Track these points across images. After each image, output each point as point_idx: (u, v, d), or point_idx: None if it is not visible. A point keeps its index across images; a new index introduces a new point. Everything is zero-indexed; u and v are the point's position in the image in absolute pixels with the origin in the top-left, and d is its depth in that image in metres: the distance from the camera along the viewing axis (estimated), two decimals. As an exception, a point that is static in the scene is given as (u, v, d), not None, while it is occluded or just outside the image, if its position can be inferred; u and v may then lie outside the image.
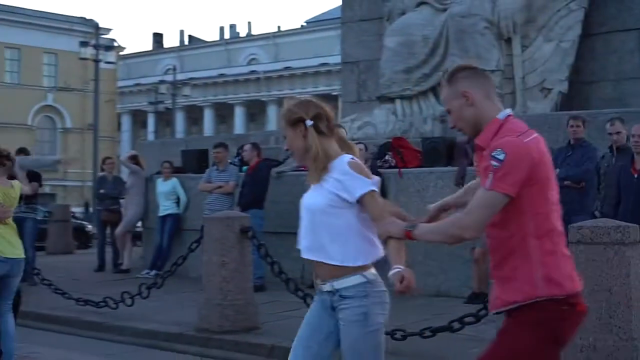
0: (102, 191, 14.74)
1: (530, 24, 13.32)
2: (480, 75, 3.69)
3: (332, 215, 3.87)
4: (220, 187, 12.16)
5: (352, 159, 3.97)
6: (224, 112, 71.07)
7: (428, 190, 11.21)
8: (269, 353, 7.86)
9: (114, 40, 54.81)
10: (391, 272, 3.69)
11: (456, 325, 7.14)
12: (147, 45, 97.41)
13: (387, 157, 11.90)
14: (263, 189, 11.64)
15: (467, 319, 6.98)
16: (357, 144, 11.24)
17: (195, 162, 13.98)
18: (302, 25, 77.83)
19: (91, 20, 56.45)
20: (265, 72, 68.66)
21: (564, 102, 13.05)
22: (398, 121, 13.50)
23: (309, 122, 3.95)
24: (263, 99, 68.36)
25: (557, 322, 3.45)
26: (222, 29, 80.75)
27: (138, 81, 73.05)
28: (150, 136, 69.39)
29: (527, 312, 3.43)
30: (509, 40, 13.49)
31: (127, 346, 8.73)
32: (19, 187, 7.07)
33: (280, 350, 7.64)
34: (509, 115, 3.59)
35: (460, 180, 10.86)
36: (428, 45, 13.59)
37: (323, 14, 75.71)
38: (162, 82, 59.23)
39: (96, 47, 41.79)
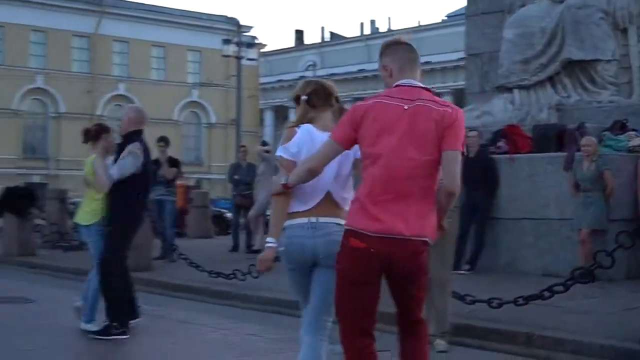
0: (236, 177, 15.78)
1: (644, 16, 13.55)
2: (398, 50, 4.49)
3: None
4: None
5: (296, 127, 4.68)
6: (363, 107, 71.89)
7: (539, 175, 11.72)
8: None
9: (255, 37, 56.47)
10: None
11: (546, 294, 7.67)
12: (289, 42, 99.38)
13: (500, 144, 12.42)
14: None
15: (556, 288, 7.49)
16: (470, 130, 11.83)
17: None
18: (442, 20, 77.77)
19: (233, 19, 58.25)
20: (403, 66, 68.91)
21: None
22: (515, 110, 13.92)
23: (304, 97, 4.76)
24: (403, 94, 68.71)
25: None
26: (362, 24, 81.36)
27: (280, 77, 74.76)
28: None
29: None
30: (624, 31, 13.75)
31: (249, 311, 9.62)
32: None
33: (387, 316, 8.35)
34: (397, 85, 4.35)
35: (568, 165, 11.30)
36: (545, 37, 13.94)
37: (465, 7, 75.13)
38: (302, 77, 60.57)
39: (238, 44, 43.22)
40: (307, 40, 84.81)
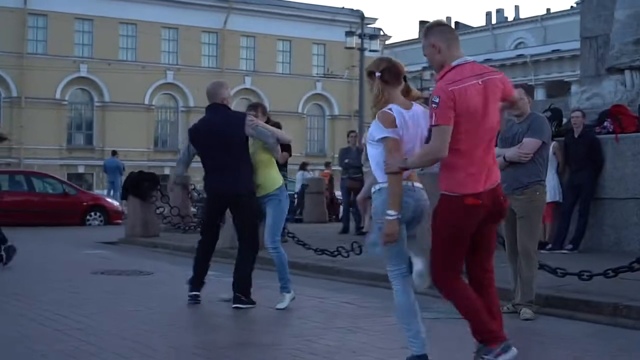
0: (346, 161, 16.19)
1: None
2: (446, 31, 5.29)
3: (372, 147, 5.25)
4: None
5: (388, 109, 5.16)
6: (489, 97, 71.24)
7: (645, 155, 11.66)
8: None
9: (380, 29, 56.70)
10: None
11: (636, 266, 7.76)
12: (414, 33, 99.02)
13: (605, 124, 12.39)
14: None
15: (645, 261, 7.58)
16: (574, 111, 11.93)
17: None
18: (571, 6, 76.19)
19: (358, 11, 58.55)
20: (532, 55, 67.98)
21: None
22: (626, 91, 13.82)
23: (378, 74, 5.27)
24: (530, 84, 67.75)
25: None
26: (488, 14, 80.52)
27: (405, 69, 74.72)
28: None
29: None
30: None
31: (350, 285, 10.02)
32: None
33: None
34: (457, 65, 5.12)
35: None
36: (658, 17, 13.81)
37: (591, -6, 73.46)
38: (425, 68, 60.43)
39: (361, 36, 43.56)
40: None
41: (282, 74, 56.40)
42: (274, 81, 54.68)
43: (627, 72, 14.09)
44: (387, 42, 66.98)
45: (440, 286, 5.15)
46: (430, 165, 5.15)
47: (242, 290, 8.09)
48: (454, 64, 5.10)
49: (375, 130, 5.15)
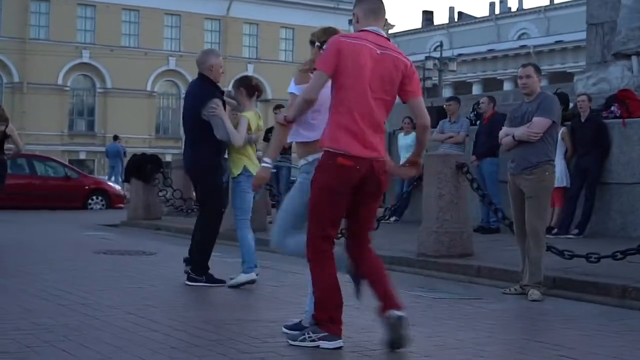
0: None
1: None
2: (371, 2, 5.25)
3: None
4: (451, 137, 13.07)
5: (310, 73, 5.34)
6: (492, 88, 71.05)
7: (651, 139, 11.58)
8: (477, 273, 8.75)
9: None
10: None
11: (645, 247, 7.69)
12: (417, 23, 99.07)
13: (612, 108, 12.30)
14: (497, 138, 12.38)
15: (656, 243, 7.51)
16: (580, 95, 11.82)
17: (434, 117, 14.90)
18: (574, -2, 75.92)
19: (359, 0, 58.45)
20: (535, 46, 67.83)
21: None
22: (633, 77, 13.72)
23: (317, 44, 5.60)
24: (533, 74, 67.63)
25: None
26: (492, 4, 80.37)
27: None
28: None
29: None
30: None
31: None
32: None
33: (486, 270, 8.55)
34: (364, 30, 5.17)
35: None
36: (667, 1, 13.70)
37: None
38: (428, 58, 60.32)
39: (366, 24, 43.56)
40: (437, 21, 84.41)
41: (285, 61, 56.22)
42: (276, 69, 54.48)
43: (634, 58, 13.97)
44: (390, 31, 66.76)
45: (308, 251, 5.09)
46: (306, 110, 5.17)
47: (192, 264, 8.09)
48: (363, 28, 5.16)
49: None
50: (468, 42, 72.34)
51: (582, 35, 59.11)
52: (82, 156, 49.73)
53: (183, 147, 8.46)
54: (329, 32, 5.52)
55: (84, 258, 10.23)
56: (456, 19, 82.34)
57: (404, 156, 14.72)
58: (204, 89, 7.99)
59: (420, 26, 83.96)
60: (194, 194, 8.60)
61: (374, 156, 5.00)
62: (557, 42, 67.23)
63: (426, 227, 9.60)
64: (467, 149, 13.11)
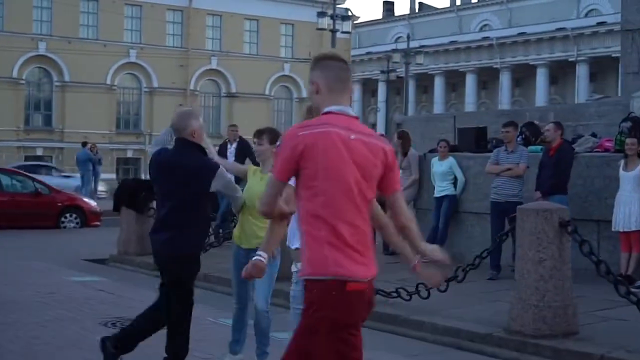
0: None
1: None
2: (329, 67, 4.07)
3: None
4: (509, 169, 11.35)
5: None
6: (454, 80, 70.07)
7: None
8: (599, 363, 7.10)
9: (348, 9, 55.03)
10: None
11: None
12: (377, 14, 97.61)
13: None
14: (568, 172, 10.75)
15: None
16: None
17: (472, 140, 13.26)
18: (538, -11, 75.11)
19: (326, -9, 56.91)
20: (498, 38, 66.93)
21: None
22: None
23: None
24: (495, 66, 66.76)
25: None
26: (453, -5, 79.43)
27: (368, 50, 73.19)
28: (381, 105, 69.68)
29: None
30: None
31: (430, 345, 8.20)
32: None
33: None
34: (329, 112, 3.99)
35: None
36: None
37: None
38: (395, 50, 58.98)
39: (333, 17, 42.04)
40: (397, 11, 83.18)
41: (249, 54, 54.47)
42: (240, 62, 52.78)
43: None
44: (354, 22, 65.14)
45: None
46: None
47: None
48: (327, 109, 4.03)
49: None
50: (429, 34, 71.26)
51: (545, 27, 58.82)
52: (39, 152, 47.54)
53: (157, 225, 6.50)
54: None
55: (89, 334, 8.06)
56: (417, 10, 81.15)
57: (439, 185, 13.07)
58: (198, 159, 6.37)
59: (382, 17, 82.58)
60: (161, 275, 6.69)
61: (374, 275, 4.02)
62: (520, 33, 66.30)
63: (522, 298, 7.89)
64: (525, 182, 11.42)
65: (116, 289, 11.23)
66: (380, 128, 71.58)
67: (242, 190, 6.79)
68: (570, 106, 24.63)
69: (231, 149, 15.37)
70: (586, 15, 66.32)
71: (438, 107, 69.06)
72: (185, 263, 6.30)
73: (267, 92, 55.23)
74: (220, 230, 15.36)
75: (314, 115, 4.15)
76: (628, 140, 10.48)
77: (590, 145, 11.61)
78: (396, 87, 69.00)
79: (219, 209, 15.33)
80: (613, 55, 57.47)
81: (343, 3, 56.04)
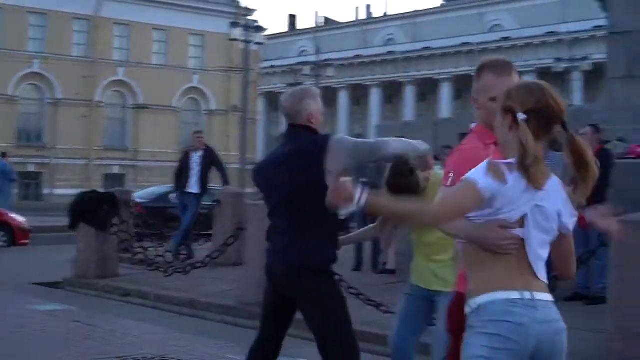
0: (363, 179, 13.07)
1: None
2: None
3: None
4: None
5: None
6: (359, 94, 69.70)
7: None
8: None
9: (256, 21, 53.97)
10: None
11: None
12: (282, 27, 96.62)
13: None
14: (608, 181, 9.68)
15: None
16: None
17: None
18: (441, 4, 75.81)
19: (235, 1, 55.73)
20: (403, 52, 67.01)
21: None
22: None
23: (522, 117, 3.10)
24: (400, 80, 66.76)
25: None
26: (357, 9, 79.34)
27: (273, 63, 72.23)
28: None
29: None
30: None
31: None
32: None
33: None
34: None
35: None
36: None
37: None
38: (304, 63, 58.28)
39: (246, 28, 41.09)
40: (301, 25, 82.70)
41: (158, 65, 52.70)
42: (148, 73, 51.22)
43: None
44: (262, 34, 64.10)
45: None
46: None
47: None
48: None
49: None
50: (335, 48, 70.69)
51: (449, 42, 59.13)
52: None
53: (272, 237, 4.96)
54: (535, 93, 3.15)
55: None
56: (321, 24, 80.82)
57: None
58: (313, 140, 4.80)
59: (287, 30, 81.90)
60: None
61: None
62: (424, 48, 66.51)
63: (623, 327, 6.72)
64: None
65: (91, 319, 9.64)
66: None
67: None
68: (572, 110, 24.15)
69: (195, 158, 13.87)
70: (490, 30, 66.93)
71: (342, 121, 68.64)
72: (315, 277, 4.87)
73: (175, 104, 53.57)
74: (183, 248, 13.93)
75: None
76: None
77: (620, 152, 10.63)
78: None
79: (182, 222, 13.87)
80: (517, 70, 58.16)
81: (252, 15, 55.09)
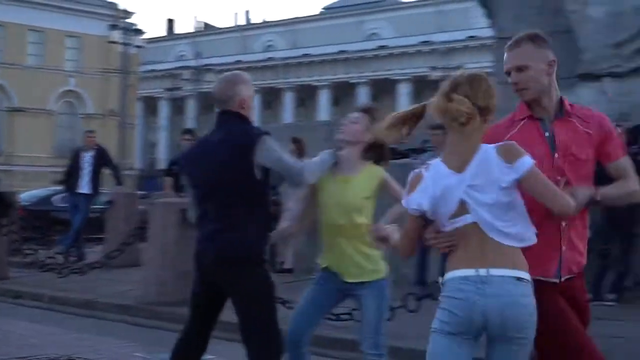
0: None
1: None
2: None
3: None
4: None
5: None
6: (237, 100, 69.53)
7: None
8: None
9: (134, 24, 53.30)
10: None
11: None
12: (160, 31, 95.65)
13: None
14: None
15: None
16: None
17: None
18: (320, 12, 76.39)
19: (112, 3, 54.87)
20: (282, 59, 67.19)
21: None
22: (611, 102, 11.79)
23: None
24: (279, 86, 66.88)
25: None
26: (236, 15, 79.35)
27: (152, 67, 71.29)
28: (164, 122, 68.08)
29: None
30: None
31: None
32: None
33: None
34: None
35: None
36: (644, 16, 11.90)
37: (342, 0, 74.44)
38: (184, 68, 57.77)
39: (125, 30, 40.66)
40: (180, 29, 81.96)
41: (33, 67, 51.26)
42: (23, 74, 49.92)
43: (606, 80, 12.08)
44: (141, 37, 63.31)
45: None
46: None
47: None
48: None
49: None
50: (214, 54, 70.28)
51: (328, 49, 59.49)
52: None
53: (201, 225, 4.84)
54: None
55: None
56: (200, 29, 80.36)
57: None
58: (242, 128, 4.77)
59: (165, 34, 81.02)
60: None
61: None
62: (304, 55, 66.83)
63: None
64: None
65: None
66: (163, 146, 69.82)
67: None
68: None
69: (87, 158, 13.49)
70: (368, 39, 67.75)
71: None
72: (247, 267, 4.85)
73: (50, 107, 52.23)
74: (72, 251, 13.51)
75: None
76: None
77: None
78: (178, 106, 67.72)
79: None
80: (393, 77, 59.26)
81: (130, 17, 54.33)
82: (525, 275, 3.25)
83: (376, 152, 5.09)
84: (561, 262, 3.53)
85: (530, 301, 3.23)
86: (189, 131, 11.76)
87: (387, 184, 5.08)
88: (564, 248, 3.51)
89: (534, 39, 3.67)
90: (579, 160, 3.53)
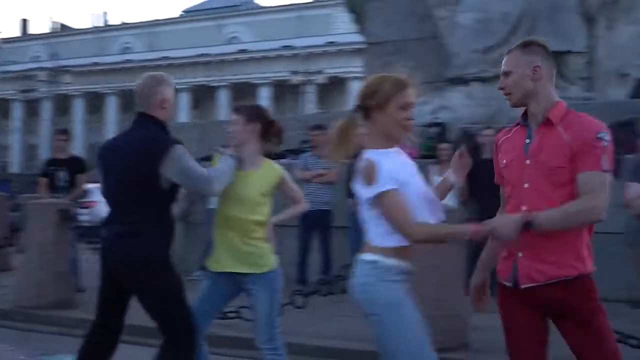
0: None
1: (616, 3, 12.38)
2: (551, 58, 3.71)
3: None
4: (320, 175, 10.37)
5: None
6: (96, 102, 68.05)
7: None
8: None
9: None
10: None
11: None
12: (14, 32, 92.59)
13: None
14: None
15: None
16: (486, 128, 9.70)
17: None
18: (180, 15, 75.80)
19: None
20: (140, 61, 66.24)
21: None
22: (478, 105, 12.25)
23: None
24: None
25: None
26: (93, 16, 77.69)
27: (5, 68, 69.06)
28: (18, 124, 66.26)
29: None
30: (591, 20, 12.49)
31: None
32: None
33: None
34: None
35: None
36: (509, 23, 12.40)
37: (202, 3, 74.17)
38: (40, 69, 56.21)
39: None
40: (34, 30, 79.69)
41: None
42: None
43: (474, 84, 12.54)
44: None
45: None
46: None
47: None
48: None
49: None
50: (70, 55, 68.67)
51: (188, 52, 58.94)
52: None
53: (106, 224, 4.85)
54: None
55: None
56: (57, 29, 78.32)
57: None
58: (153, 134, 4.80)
59: (20, 34, 78.56)
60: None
61: None
62: (163, 57, 66.17)
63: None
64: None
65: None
66: (17, 149, 67.82)
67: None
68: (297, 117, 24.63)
69: None
70: (228, 42, 67.65)
71: (78, 130, 66.71)
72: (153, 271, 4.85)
73: None
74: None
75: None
76: (442, 146, 10.11)
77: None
78: (32, 108, 65.98)
79: None
80: (253, 81, 59.53)
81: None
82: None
83: (266, 130, 5.16)
84: (517, 269, 3.56)
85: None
86: (64, 131, 11.45)
87: (285, 182, 5.18)
88: (519, 254, 3.54)
89: (524, 45, 3.70)
90: (549, 167, 3.49)
